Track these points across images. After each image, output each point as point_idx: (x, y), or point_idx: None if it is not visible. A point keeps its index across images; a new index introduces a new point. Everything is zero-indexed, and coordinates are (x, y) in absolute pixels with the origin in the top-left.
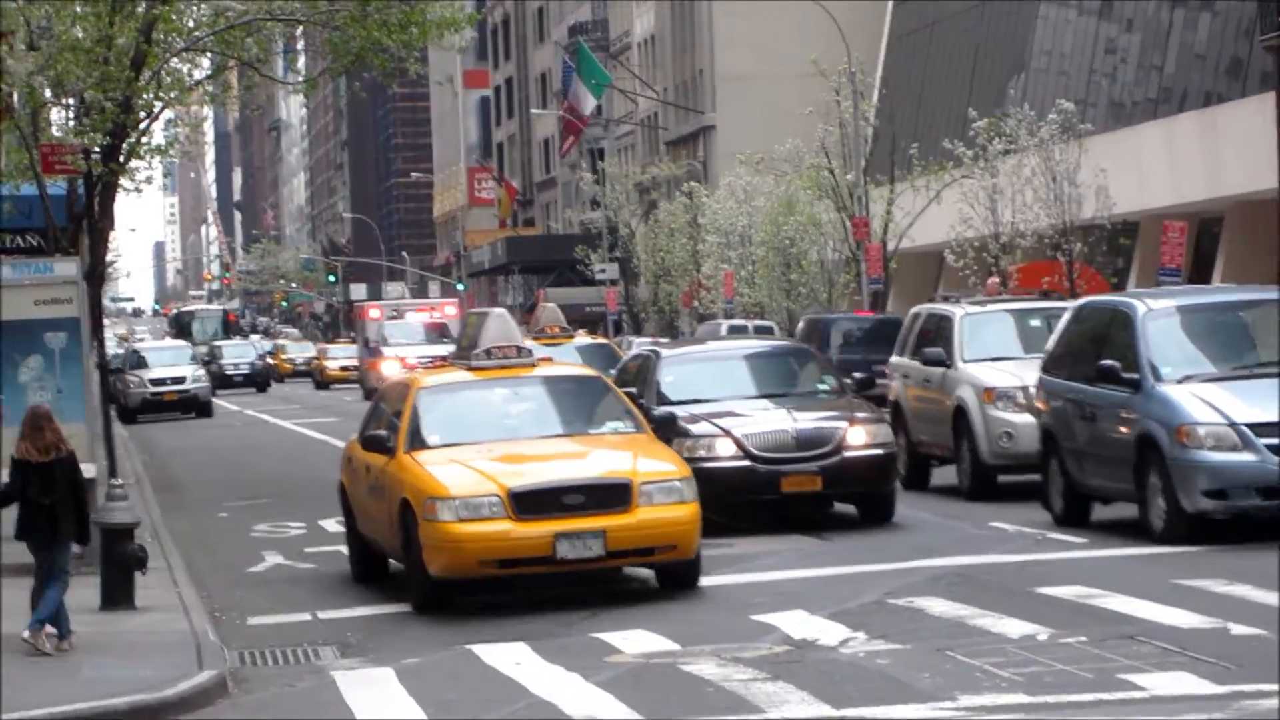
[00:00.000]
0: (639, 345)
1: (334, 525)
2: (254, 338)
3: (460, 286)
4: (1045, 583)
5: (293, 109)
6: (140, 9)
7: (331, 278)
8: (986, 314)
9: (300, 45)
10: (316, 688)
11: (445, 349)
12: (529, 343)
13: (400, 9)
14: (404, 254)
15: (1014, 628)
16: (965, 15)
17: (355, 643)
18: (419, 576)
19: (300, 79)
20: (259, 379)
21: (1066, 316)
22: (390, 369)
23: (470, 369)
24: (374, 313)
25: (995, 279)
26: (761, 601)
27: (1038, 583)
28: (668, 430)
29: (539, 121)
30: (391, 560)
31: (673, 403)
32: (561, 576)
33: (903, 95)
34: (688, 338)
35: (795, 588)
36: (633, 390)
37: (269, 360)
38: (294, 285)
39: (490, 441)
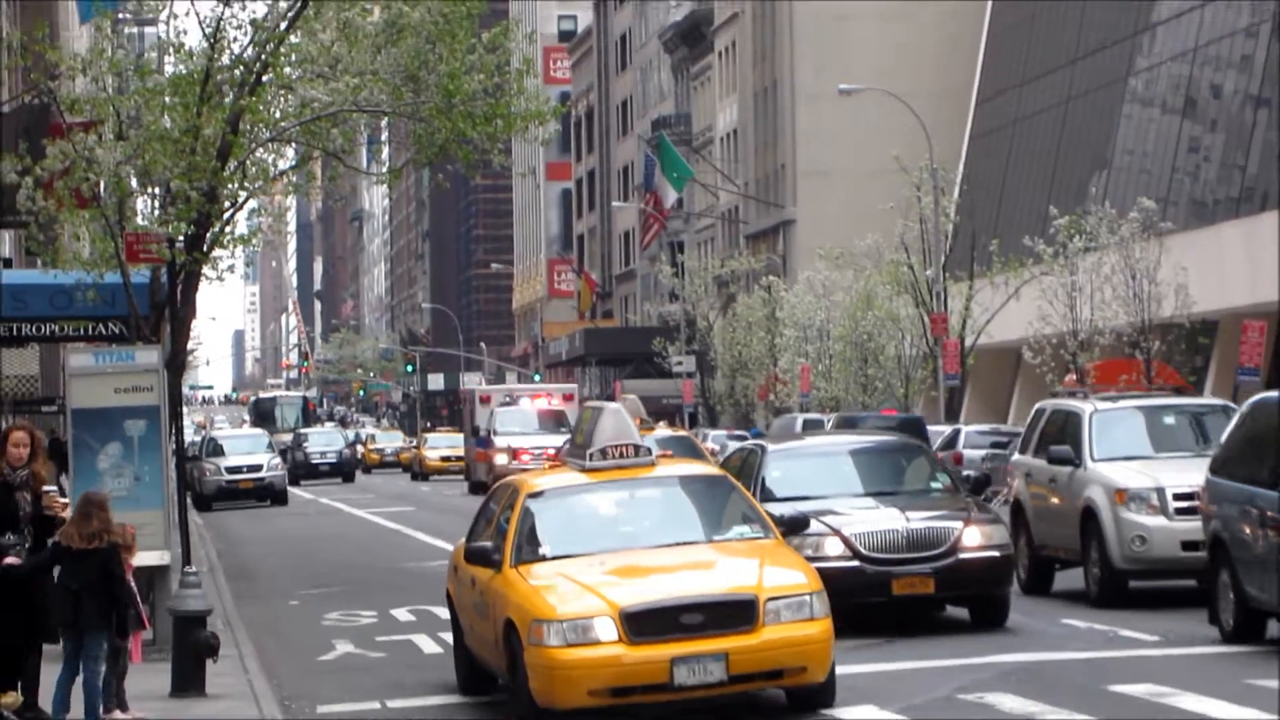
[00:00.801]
0: (714, 438)
1: (405, 614)
2: (328, 425)
3: (537, 378)
4: (1117, 679)
5: (375, 199)
6: (227, 100)
7: (409, 368)
8: (1118, 410)
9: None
10: None
11: (560, 439)
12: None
13: (486, 102)
14: (482, 345)
15: None
16: (1048, 113)
17: None
18: (525, 706)
19: (384, 170)
20: (346, 468)
21: (1238, 415)
22: (502, 460)
23: (584, 470)
24: (484, 397)
25: (1072, 376)
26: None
27: (1109, 679)
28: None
29: (620, 214)
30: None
31: (778, 499)
32: (680, 704)
33: (983, 191)
34: (788, 430)
35: (866, 682)
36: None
37: (357, 449)
38: (372, 375)
39: (605, 552)
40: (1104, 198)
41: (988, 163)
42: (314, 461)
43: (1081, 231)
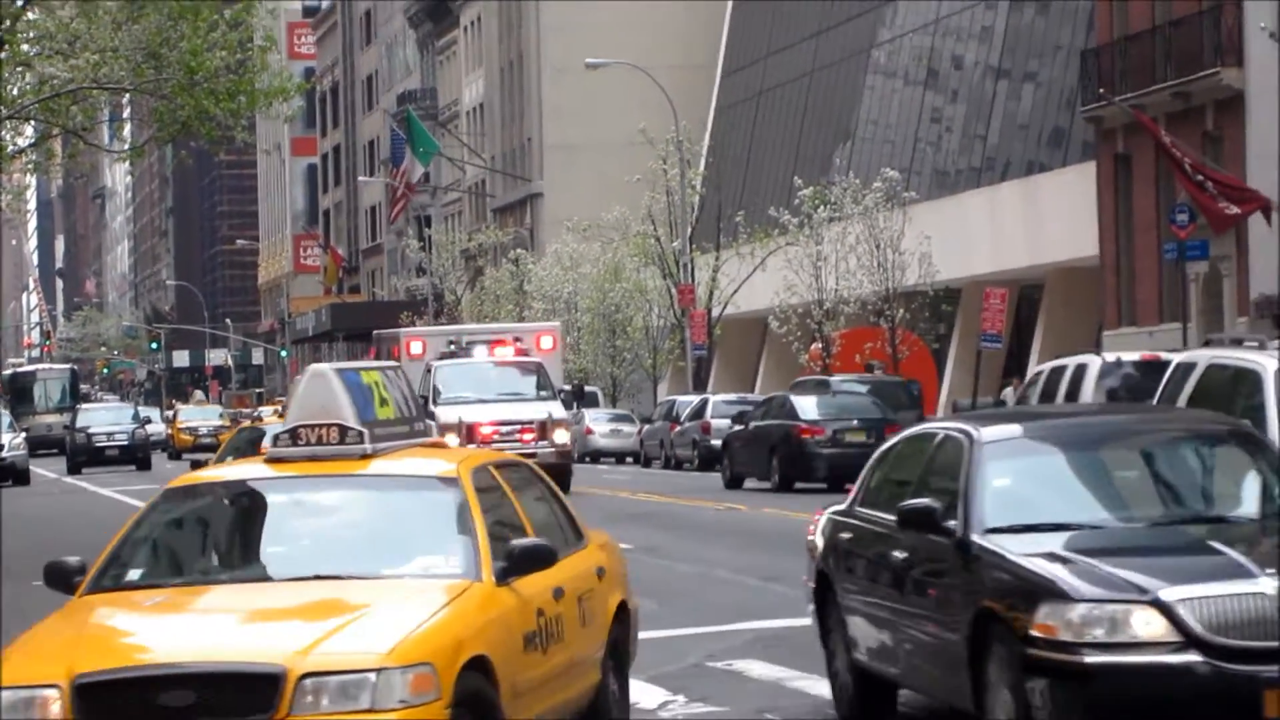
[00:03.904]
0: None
1: None
2: (110, 399)
3: (284, 354)
4: None
5: (118, 176)
6: None
7: (154, 345)
8: None
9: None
10: None
11: (541, 407)
12: (275, 423)
13: (228, 78)
14: (228, 321)
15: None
16: (792, 85)
17: None
18: None
19: (126, 147)
20: (139, 452)
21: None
22: (450, 443)
23: (269, 459)
24: (416, 347)
25: (818, 345)
26: None
27: None
28: (1039, 594)
29: (366, 189)
30: None
31: (1004, 530)
32: None
33: (730, 164)
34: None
35: None
36: (924, 503)
37: (148, 430)
38: (116, 352)
39: (202, 584)
40: (848, 168)
41: (733, 135)
42: (99, 445)
43: (826, 202)
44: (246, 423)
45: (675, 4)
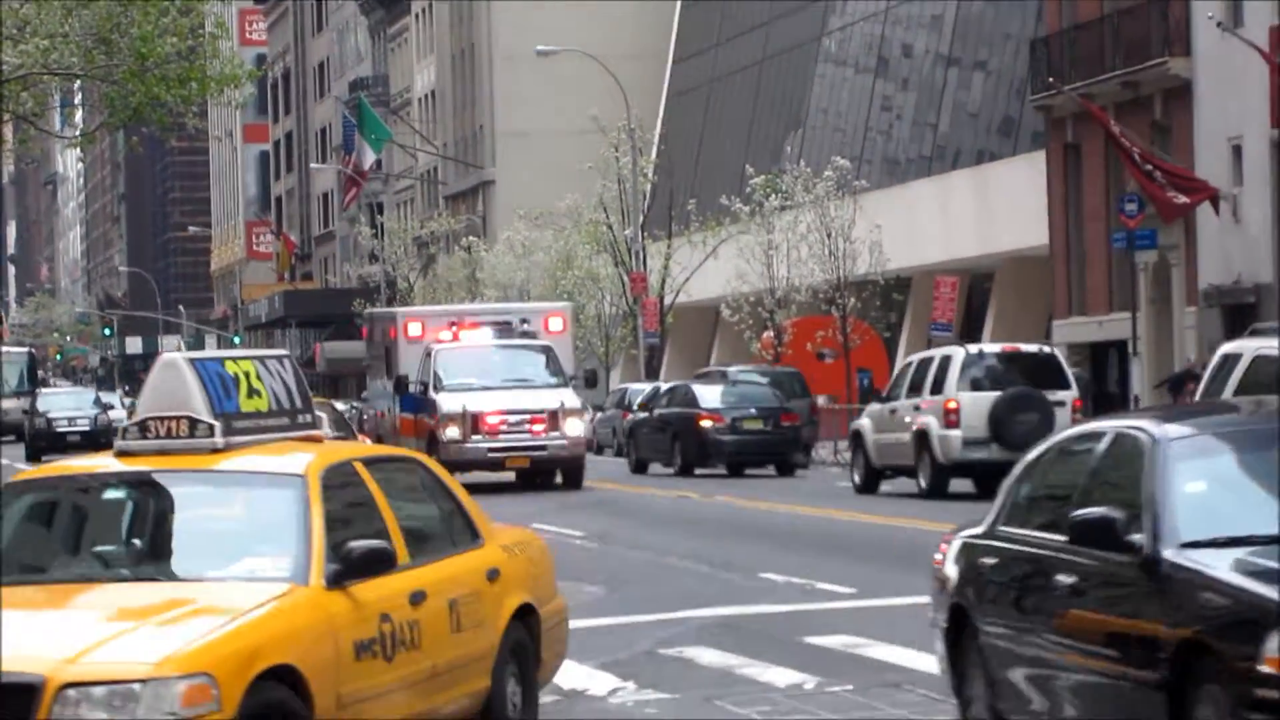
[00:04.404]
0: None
1: None
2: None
3: (237, 340)
4: (812, 631)
5: (69, 162)
6: None
7: (107, 331)
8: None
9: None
10: None
11: (552, 395)
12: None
13: (180, 65)
14: (180, 308)
15: (781, 676)
16: (744, 73)
17: None
18: None
19: (77, 133)
20: (103, 439)
21: None
22: (453, 434)
23: (117, 453)
24: (415, 328)
25: (769, 333)
26: None
27: (805, 631)
28: (1268, 620)
29: (318, 176)
30: None
31: (1203, 544)
32: None
33: (681, 152)
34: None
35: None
36: (1101, 513)
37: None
38: (69, 339)
39: (18, 584)
40: (799, 157)
41: (685, 123)
42: (59, 430)
43: (777, 190)
44: None
45: None
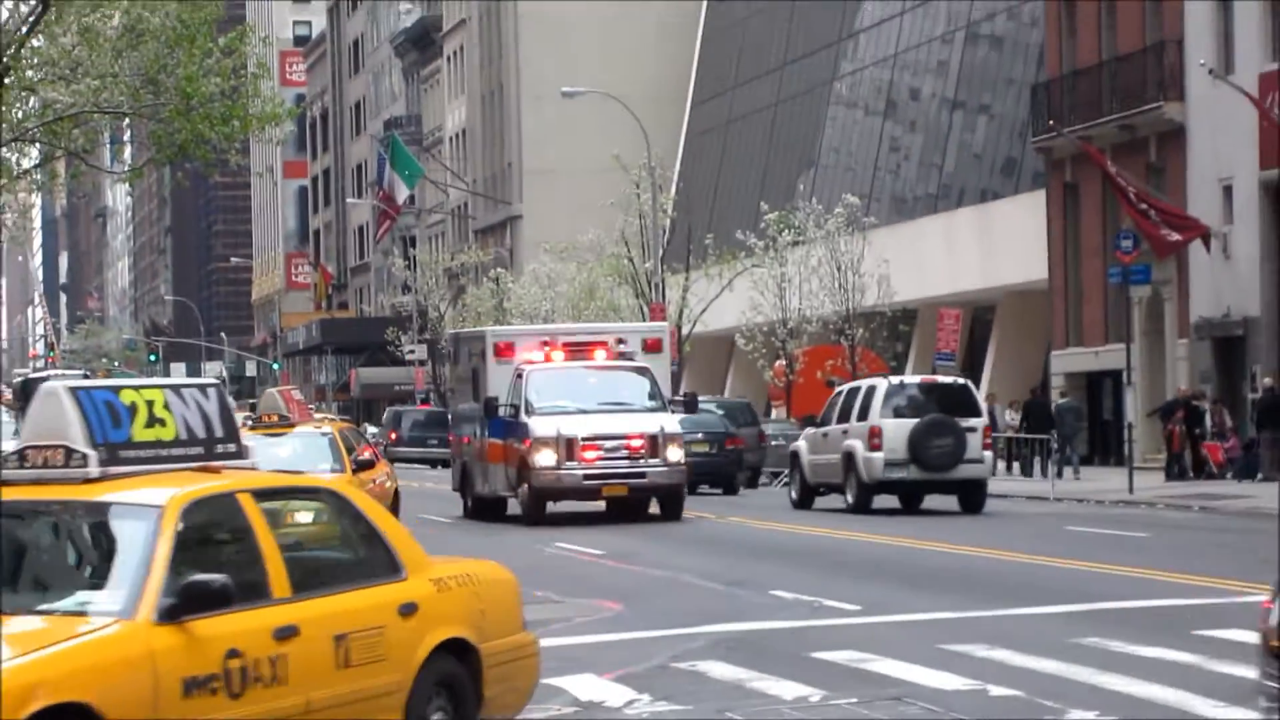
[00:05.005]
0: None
1: None
2: None
3: (276, 366)
4: (819, 647)
5: (119, 196)
6: None
7: (153, 357)
8: None
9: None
10: None
11: (648, 420)
12: (251, 437)
13: (223, 103)
14: (222, 335)
15: (789, 690)
16: (760, 115)
17: None
18: None
19: (126, 168)
20: None
21: None
22: (547, 460)
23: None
24: (505, 349)
25: (781, 362)
26: (551, 665)
27: (812, 647)
28: None
29: (354, 210)
30: None
31: None
32: None
33: (699, 189)
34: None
35: (583, 653)
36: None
37: None
38: (116, 364)
39: None
40: (811, 194)
41: (703, 161)
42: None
43: (790, 226)
44: None
45: (648, 36)
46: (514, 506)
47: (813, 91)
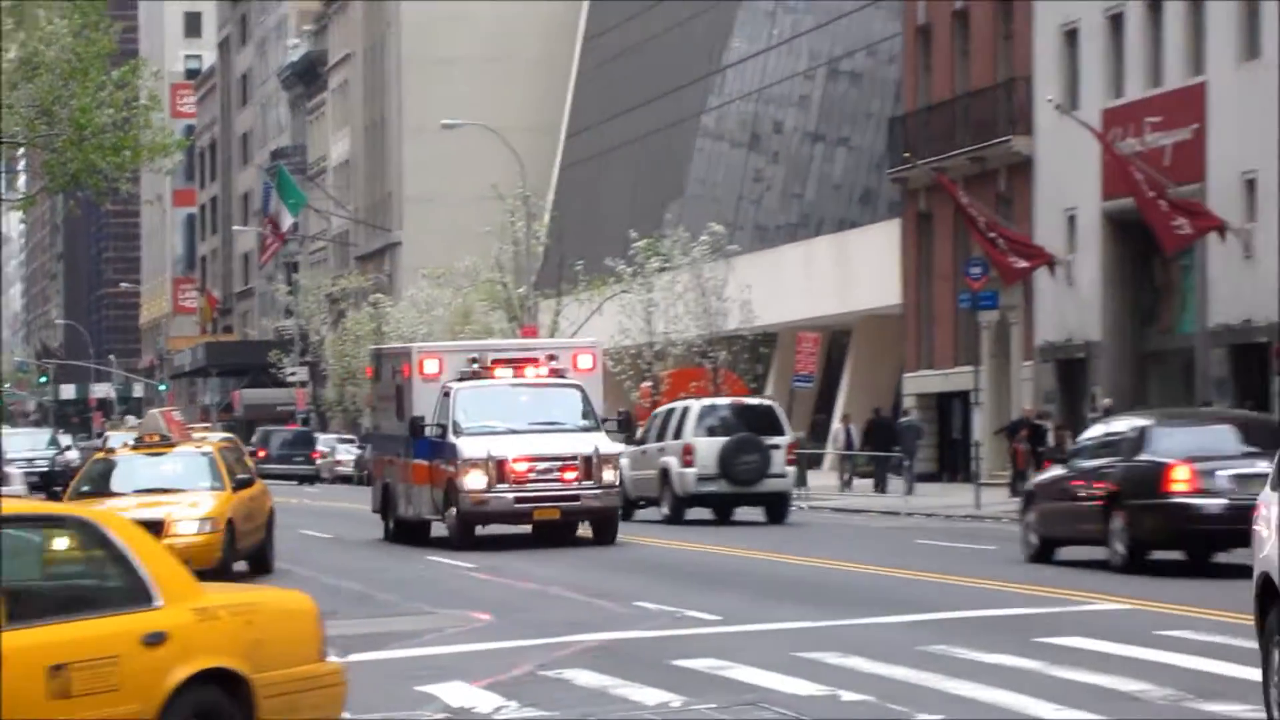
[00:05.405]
0: (324, 441)
1: None
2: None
3: (162, 388)
4: (681, 655)
5: (12, 223)
6: None
7: (44, 378)
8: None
9: (21, 165)
10: None
11: (588, 438)
12: (125, 452)
13: (115, 134)
14: (111, 357)
15: (651, 696)
16: (630, 147)
17: None
18: None
19: (19, 196)
20: (60, 481)
21: None
22: (476, 483)
23: None
24: (431, 366)
25: (648, 383)
26: (425, 674)
27: (674, 655)
28: None
29: (240, 237)
30: None
31: None
32: None
33: (572, 217)
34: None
35: (454, 662)
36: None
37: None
38: (7, 386)
39: None
40: (679, 223)
41: (576, 191)
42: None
43: (658, 253)
44: (100, 454)
45: (524, 72)
46: (438, 529)
47: (681, 124)
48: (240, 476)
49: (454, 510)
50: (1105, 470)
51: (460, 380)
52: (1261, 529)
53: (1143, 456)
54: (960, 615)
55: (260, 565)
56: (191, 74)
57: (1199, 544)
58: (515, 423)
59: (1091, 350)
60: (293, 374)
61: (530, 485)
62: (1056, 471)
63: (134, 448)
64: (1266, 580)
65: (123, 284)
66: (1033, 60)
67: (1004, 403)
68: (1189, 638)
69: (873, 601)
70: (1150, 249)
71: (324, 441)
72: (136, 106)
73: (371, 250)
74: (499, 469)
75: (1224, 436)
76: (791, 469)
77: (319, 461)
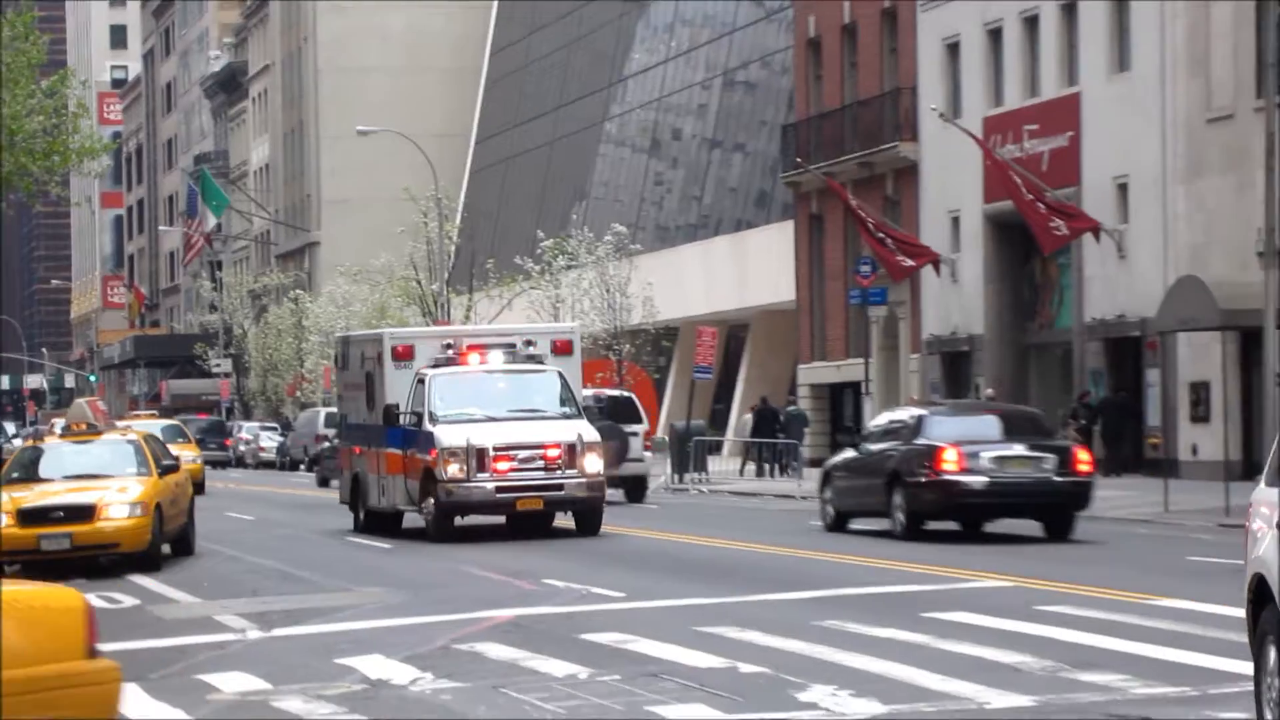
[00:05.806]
0: (247, 429)
1: None
2: None
3: (93, 378)
4: (588, 629)
5: None
6: None
7: None
8: None
9: None
10: None
11: (570, 425)
12: (53, 440)
13: (45, 140)
14: (43, 350)
15: (559, 668)
16: (537, 152)
17: None
18: None
19: None
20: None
21: None
22: (454, 470)
23: None
24: (401, 350)
25: None
26: (344, 647)
27: (581, 630)
28: None
29: (166, 237)
30: None
31: None
32: None
33: (482, 218)
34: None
35: (374, 636)
36: None
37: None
38: None
39: None
40: (584, 223)
41: (485, 193)
42: None
43: (564, 252)
44: (30, 441)
45: (436, 80)
46: (411, 519)
47: (585, 131)
48: (165, 463)
49: (431, 501)
50: (888, 452)
51: (434, 366)
52: (1260, 526)
53: (919, 441)
54: (853, 592)
55: (182, 548)
56: (118, 83)
57: (965, 515)
58: (494, 410)
59: (975, 343)
60: (217, 365)
61: (512, 475)
62: (849, 454)
63: (62, 435)
64: (1260, 580)
65: (54, 281)
66: (917, 71)
67: (893, 393)
68: (1065, 612)
69: (771, 580)
70: (1029, 248)
71: (247, 429)
72: (66, 114)
73: (291, 249)
74: (479, 458)
75: (988, 424)
76: (648, 454)
77: (243, 448)
